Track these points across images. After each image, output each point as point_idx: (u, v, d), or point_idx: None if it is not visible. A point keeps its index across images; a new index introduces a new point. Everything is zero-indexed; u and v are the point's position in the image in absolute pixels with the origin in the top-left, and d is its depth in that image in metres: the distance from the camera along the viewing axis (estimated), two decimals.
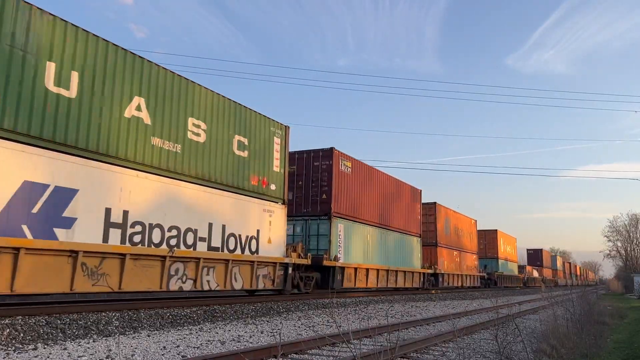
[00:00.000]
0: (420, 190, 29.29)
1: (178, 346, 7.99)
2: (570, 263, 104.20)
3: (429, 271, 29.28)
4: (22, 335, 7.99)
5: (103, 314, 10.25)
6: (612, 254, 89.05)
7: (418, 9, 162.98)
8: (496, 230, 48.98)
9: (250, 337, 9.35)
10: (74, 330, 8.77)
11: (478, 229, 46.59)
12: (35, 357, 6.78)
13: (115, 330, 9.21)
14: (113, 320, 9.83)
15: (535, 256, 75.41)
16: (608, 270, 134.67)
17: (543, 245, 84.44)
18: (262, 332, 9.99)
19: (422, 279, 28.32)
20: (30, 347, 7.42)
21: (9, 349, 7.19)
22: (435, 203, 32.10)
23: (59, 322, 8.99)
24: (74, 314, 9.83)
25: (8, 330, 8.03)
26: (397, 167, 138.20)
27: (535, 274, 67.55)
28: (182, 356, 7.18)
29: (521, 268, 60.06)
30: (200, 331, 9.83)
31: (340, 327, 10.47)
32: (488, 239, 48.59)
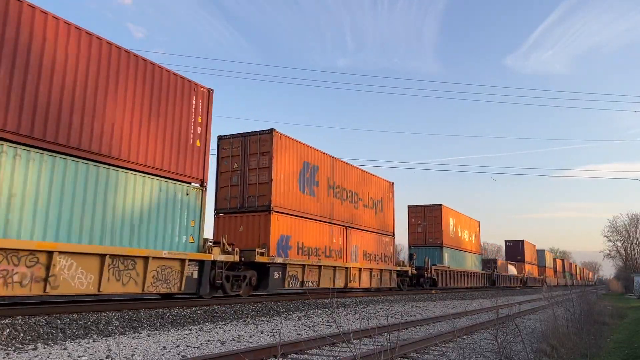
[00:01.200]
0: (209, 91, 14.12)
1: (178, 346, 7.99)
2: (563, 260, 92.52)
3: (224, 258, 14.08)
4: (22, 335, 7.99)
5: (103, 314, 10.25)
6: (612, 254, 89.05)
7: (417, 9, 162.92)
8: (440, 205, 33.88)
9: (250, 337, 9.35)
10: (74, 330, 8.77)
11: (414, 204, 34.96)
12: (35, 357, 6.78)
13: (115, 330, 9.21)
14: (113, 320, 9.83)
15: (514, 249, 61.78)
16: (608, 270, 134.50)
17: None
18: (262, 332, 9.99)
19: (192, 275, 13.07)
20: (30, 347, 7.42)
21: (9, 349, 7.19)
22: (272, 130, 16.77)
23: (59, 322, 8.99)
24: (74, 314, 9.84)
25: (8, 330, 8.03)
26: (398, 167, 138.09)
27: (512, 270, 53.48)
28: (182, 356, 7.18)
29: (488, 262, 47.20)
30: (200, 331, 9.83)
31: (340, 327, 10.47)
32: (429, 219, 33.92)
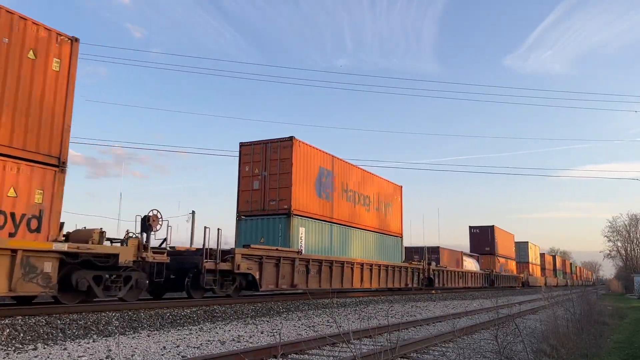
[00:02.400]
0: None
1: (178, 346, 7.99)
2: (554, 256, 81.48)
3: None
4: (22, 335, 8.00)
5: (103, 314, 10.25)
6: (612, 254, 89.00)
7: (416, 9, 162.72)
8: (291, 139, 18.56)
9: (250, 337, 9.35)
10: (74, 330, 8.77)
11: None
12: (35, 357, 6.78)
13: (115, 330, 9.22)
14: (113, 320, 9.83)
15: (481, 238, 46.34)
16: (608, 270, 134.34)
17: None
18: (262, 332, 9.99)
19: None
20: (30, 347, 7.42)
21: (9, 349, 7.19)
22: None
23: (59, 322, 9.00)
24: (74, 314, 9.84)
25: (8, 330, 8.03)
26: (397, 167, 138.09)
27: (471, 265, 39.67)
28: (182, 356, 7.18)
29: (420, 252, 32.60)
30: (200, 331, 9.83)
31: (340, 327, 10.47)
32: (273, 166, 18.76)
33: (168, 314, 11.20)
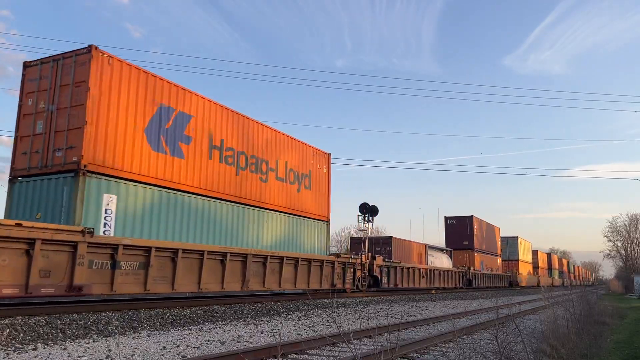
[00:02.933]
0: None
1: (178, 346, 7.99)
2: (550, 254, 73.82)
3: None
4: (22, 335, 7.99)
5: (103, 314, 10.26)
6: (612, 254, 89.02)
7: (415, 9, 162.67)
8: (91, 49, 11.41)
9: (250, 337, 9.35)
10: (74, 330, 8.77)
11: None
12: (35, 357, 6.78)
13: (115, 330, 9.22)
14: (113, 320, 9.83)
15: (459, 231, 40.12)
16: (608, 270, 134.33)
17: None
18: (262, 332, 9.99)
19: None
20: (30, 347, 7.42)
21: (9, 349, 7.19)
22: None
23: (59, 322, 9.00)
24: (74, 314, 9.84)
25: (8, 330, 8.03)
26: (397, 167, 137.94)
27: (441, 261, 33.89)
28: (182, 356, 7.18)
29: (359, 242, 26.50)
30: (200, 331, 9.83)
31: (340, 327, 10.47)
32: (64, 93, 11.66)
33: (168, 314, 11.21)
